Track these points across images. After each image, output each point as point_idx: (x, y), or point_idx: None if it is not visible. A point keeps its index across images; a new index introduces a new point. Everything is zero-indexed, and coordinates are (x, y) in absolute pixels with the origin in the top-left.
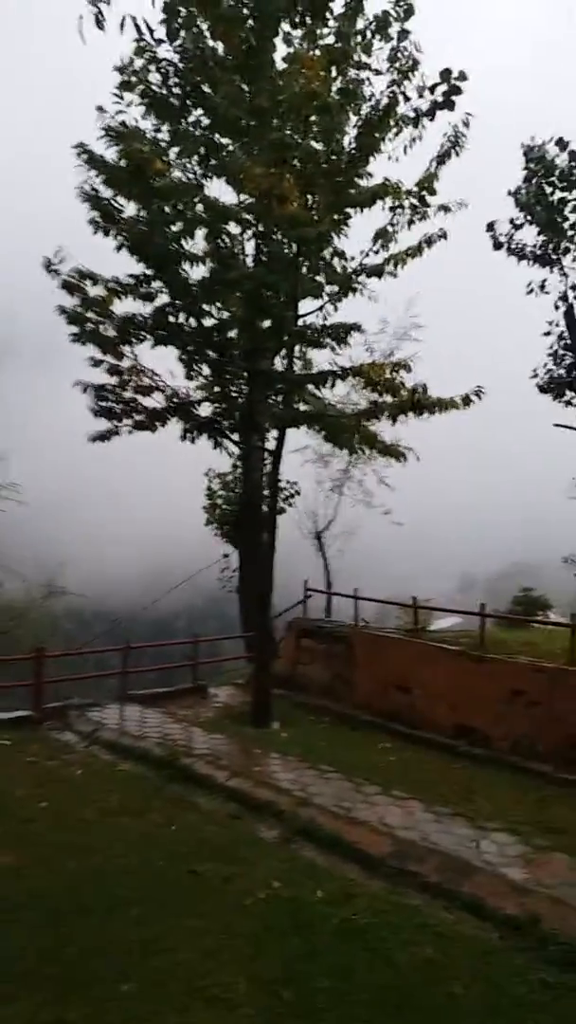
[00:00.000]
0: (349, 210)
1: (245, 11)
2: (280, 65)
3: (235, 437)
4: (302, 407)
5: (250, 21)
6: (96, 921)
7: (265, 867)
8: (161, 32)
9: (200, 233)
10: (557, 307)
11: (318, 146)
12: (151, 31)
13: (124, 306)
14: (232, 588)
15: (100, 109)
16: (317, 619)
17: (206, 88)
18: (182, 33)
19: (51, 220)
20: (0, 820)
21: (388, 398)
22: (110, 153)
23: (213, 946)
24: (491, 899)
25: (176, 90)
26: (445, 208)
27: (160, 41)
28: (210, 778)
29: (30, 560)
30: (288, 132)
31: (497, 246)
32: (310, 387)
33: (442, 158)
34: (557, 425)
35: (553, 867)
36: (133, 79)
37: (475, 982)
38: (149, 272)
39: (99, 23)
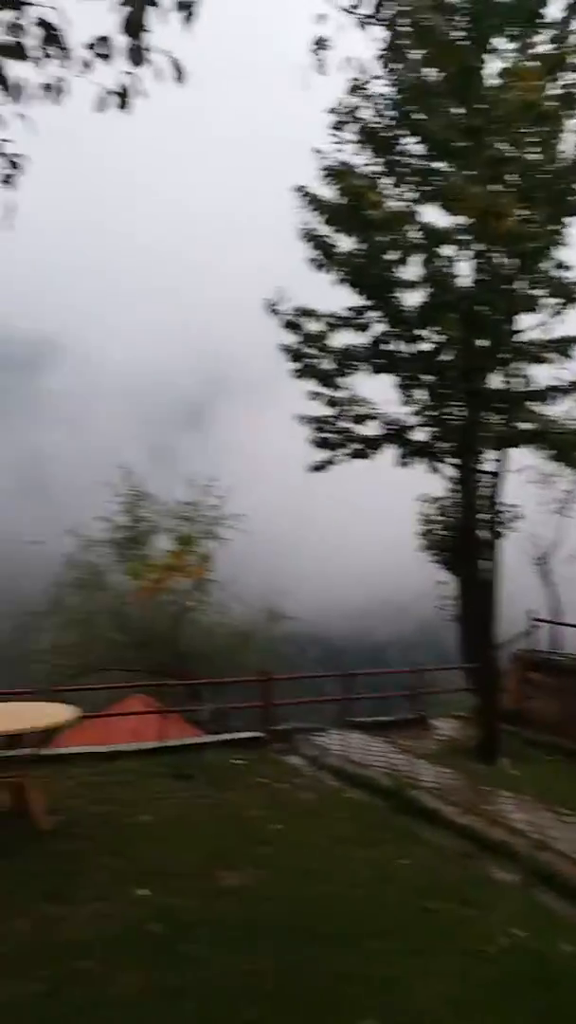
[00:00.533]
0: (570, 219)
1: (460, 34)
2: (492, 80)
3: (452, 460)
4: (524, 426)
5: (464, 42)
6: (333, 950)
7: (503, 912)
8: (376, 69)
9: (416, 259)
10: None
11: (535, 157)
12: (365, 70)
13: (341, 339)
14: (449, 616)
15: (317, 150)
16: (545, 651)
17: (419, 115)
18: (399, 65)
19: (260, 267)
20: (237, 840)
21: None
22: (327, 192)
23: (453, 992)
24: None
25: (390, 122)
26: None
27: (376, 77)
28: (439, 812)
29: (254, 588)
30: (503, 147)
31: None
32: (532, 404)
33: None
34: None
35: None
36: (347, 118)
37: None
38: (365, 303)
39: (320, 68)
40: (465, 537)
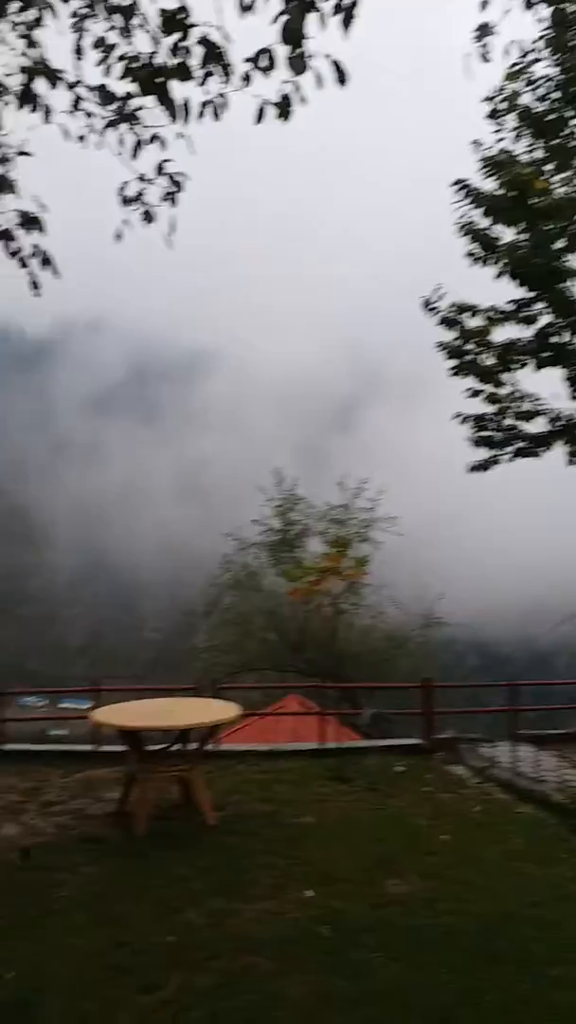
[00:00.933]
0: None
1: None
2: None
3: None
4: None
5: None
6: (511, 972)
7: None
8: (537, 51)
9: None
10: None
11: None
12: (533, 51)
13: (503, 333)
14: None
15: (476, 142)
16: None
17: None
18: (568, 42)
19: (414, 264)
20: (405, 849)
21: None
22: (486, 184)
23: None
24: None
25: (555, 104)
26: None
27: (536, 60)
28: None
29: (410, 591)
30: None
31: None
32: None
33: None
34: None
35: None
36: (505, 105)
37: None
38: (530, 295)
39: (484, 58)
40: None
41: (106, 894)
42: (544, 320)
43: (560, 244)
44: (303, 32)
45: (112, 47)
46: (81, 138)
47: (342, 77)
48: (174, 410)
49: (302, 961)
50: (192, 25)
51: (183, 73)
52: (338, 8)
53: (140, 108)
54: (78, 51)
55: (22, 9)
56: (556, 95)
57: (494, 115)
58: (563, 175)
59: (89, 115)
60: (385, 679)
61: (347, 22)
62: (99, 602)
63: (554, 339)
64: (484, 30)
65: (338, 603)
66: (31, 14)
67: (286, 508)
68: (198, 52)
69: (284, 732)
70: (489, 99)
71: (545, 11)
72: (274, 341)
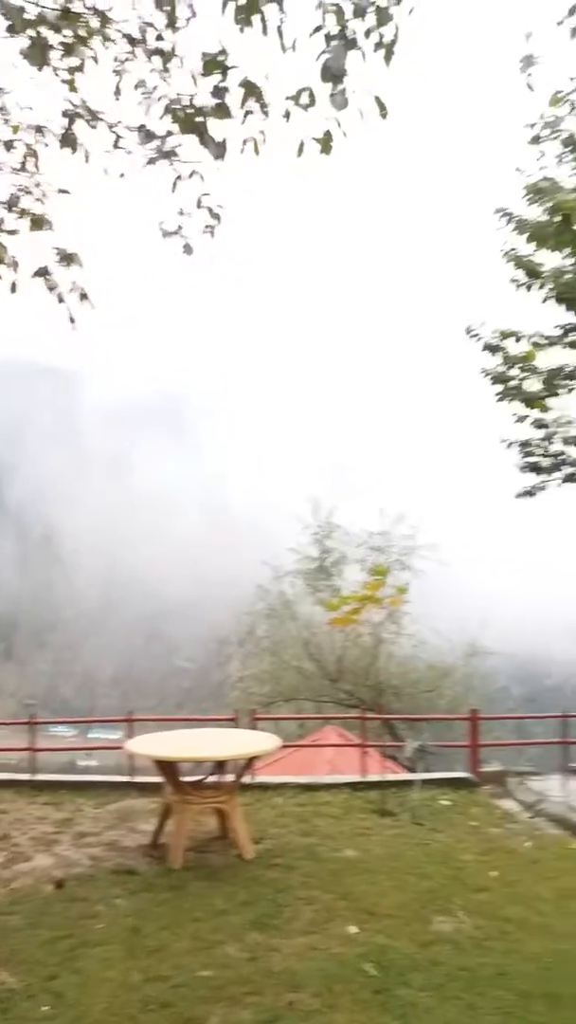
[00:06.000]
0: None
1: None
2: None
3: None
4: None
5: None
6: (571, 1015)
7: None
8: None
9: None
10: None
11: None
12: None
13: (549, 358)
14: None
15: (518, 169)
16: None
17: None
18: None
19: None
20: (452, 885)
21: None
22: (529, 211)
23: None
24: None
25: None
26: None
27: None
28: None
29: (453, 621)
30: None
31: None
32: None
33: None
34: None
35: None
36: (547, 131)
37: None
38: None
39: (530, 87)
40: None
41: (142, 927)
42: None
43: None
44: (344, 69)
45: (153, 89)
46: (121, 175)
47: (383, 112)
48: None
49: (347, 999)
50: (231, 67)
51: (223, 113)
52: (379, 44)
53: (179, 145)
54: (117, 92)
55: (64, 56)
56: None
57: (536, 141)
58: None
59: (129, 153)
60: (427, 710)
61: (388, 58)
62: (129, 628)
63: None
64: (529, 61)
65: (378, 632)
66: (73, 60)
67: (322, 535)
68: (237, 91)
69: (322, 764)
70: (532, 126)
71: None
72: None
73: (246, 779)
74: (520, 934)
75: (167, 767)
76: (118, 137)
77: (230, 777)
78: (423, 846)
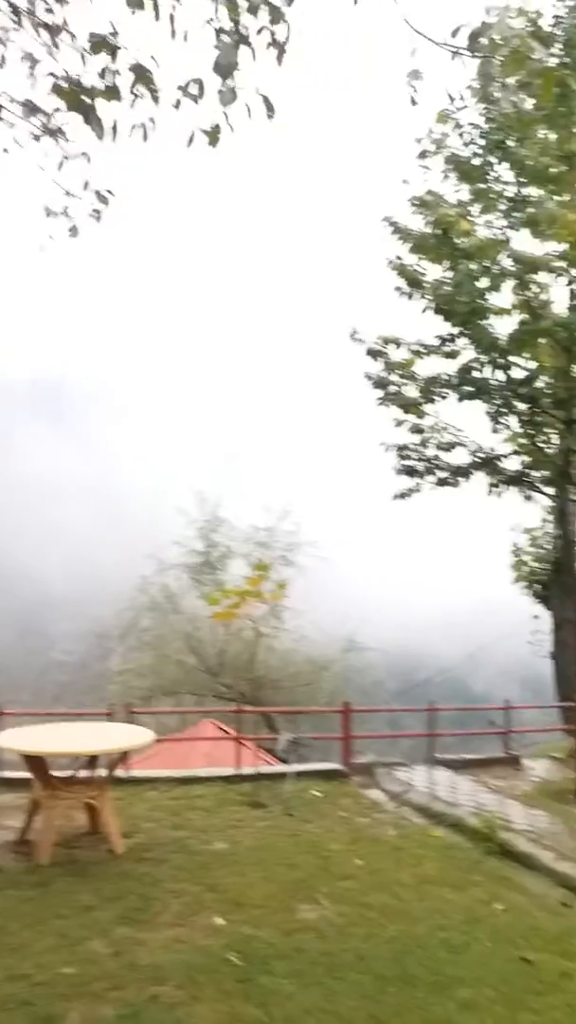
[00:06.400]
0: None
1: (555, 60)
2: None
3: (547, 490)
4: None
5: (560, 69)
6: (422, 996)
7: None
8: (464, 98)
9: (507, 286)
10: None
11: None
12: (461, 98)
13: (426, 366)
14: (544, 653)
15: (405, 181)
16: None
17: (511, 143)
18: (496, 94)
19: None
20: (319, 874)
21: None
22: (414, 222)
23: None
24: None
25: (479, 151)
26: None
27: (462, 107)
28: (533, 857)
29: (332, 616)
30: None
31: None
32: None
33: None
34: None
35: None
36: (431, 148)
37: None
38: (454, 331)
39: (413, 101)
40: (561, 570)
41: (5, 925)
42: (467, 356)
43: (483, 283)
44: (235, 65)
45: (39, 63)
46: (4, 150)
47: (271, 111)
48: (87, 427)
49: (211, 989)
50: (120, 48)
51: (112, 95)
52: (272, 43)
53: (67, 124)
54: (1, 62)
55: None
56: (481, 142)
57: (423, 156)
58: (486, 218)
59: (12, 126)
60: (306, 703)
61: (280, 57)
62: (2, 621)
63: (475, 374)
64: (414, 75)
65: (259, 627)
66: None
67: (209, 529)
68: (128, 74)
69: (199, 758)
70: (419, 141)
71: (472, 61)
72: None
73: (119, 774)
74: (381, 919)
75: (35, 762)
76: (0, 108)
77: (102, 772)
78: (293, 837)
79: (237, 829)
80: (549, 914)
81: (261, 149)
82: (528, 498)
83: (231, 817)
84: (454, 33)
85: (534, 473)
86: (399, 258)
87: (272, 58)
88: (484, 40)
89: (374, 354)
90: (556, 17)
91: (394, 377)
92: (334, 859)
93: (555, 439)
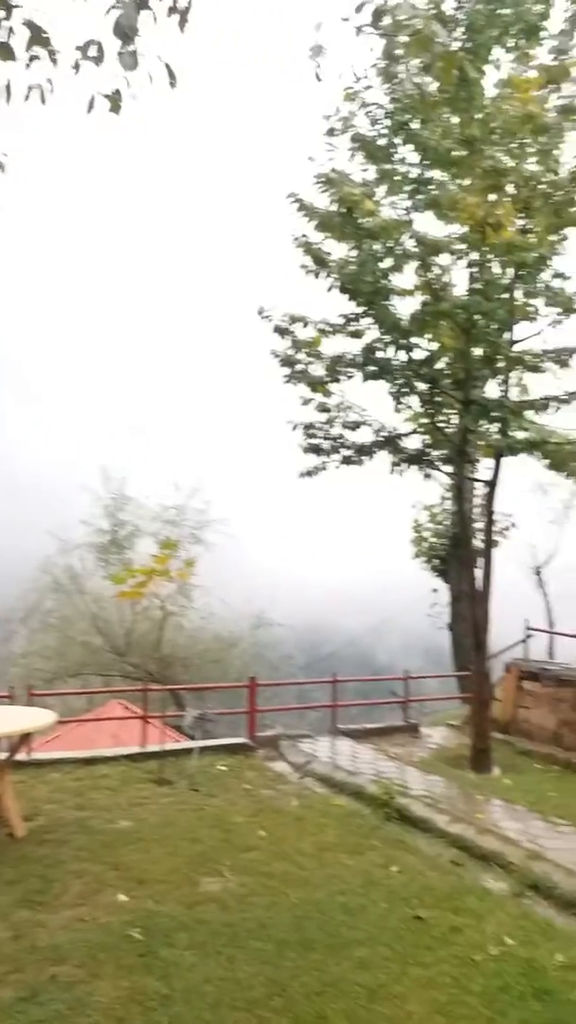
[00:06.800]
0: (570, 230)
1: (458, 43)
2: (492, 91)
3: (446, 468)
4: (520, 435)
5: (462, 53)
6: (320, 958)
7: (495, 921)
8: (370, 77)
9: (410, 267)
10: None
11: (535, 168)
12: (365, 76)
13: (333, 345)
14: (442, 624)
15: (311, 158)
16: (540, 660)
17: (415, 125)
18: (399, 74)
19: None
20: (222, 847)
21: None
22: (320, 199)
23: (444, 1000)
24: None
25: (384, 130)
26: None
27: (368, 87)
28: (429, 821)
29: (240, 593)
30: (502, 157)
31: None
32: (529, 413)
33: None
34: None
35: None
36: (338, 126)
37: None
38: (358, 310)
39: (318, 77)
40: (458, 545)
41: None
42: (371, 335)
43: (386, 264)
44: (135, 28)
45: None
46: None
47: (173, 79)
48: None
49: (111, 965)
50: (16, 6)
51: (6, 54)
52: (173, 9)
53: None
54: None
55: None
56: (386, 122)
57: (331, 133)
58: (391, 198)
59: None
60: (216, 680)
61: (182, 24)
62: None
63: (379, 354)
64: (317, 51)
65: (166, 605)
66: None
67: (115, 508)
68: (23, 33)
69: (105, 738)
70: (327, 118)
71: (377, 41)
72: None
73: (20, 757)
74: (282, 888)
75: None
76: None
77: (1, 755)
78: (197, 811)
79: (141, 807)
80: (441, 874)
81: (167, 119)
82: (428, 476)
83: (136, 795)
84: (358, 9)
85: (434, 452)
86: (304, 236)
87: (175, 25)
88: (387, 19)
89: (281, 332)
90: (458, 1)
91: (301, 355)
92: (237, 831)
93: (454, 419)
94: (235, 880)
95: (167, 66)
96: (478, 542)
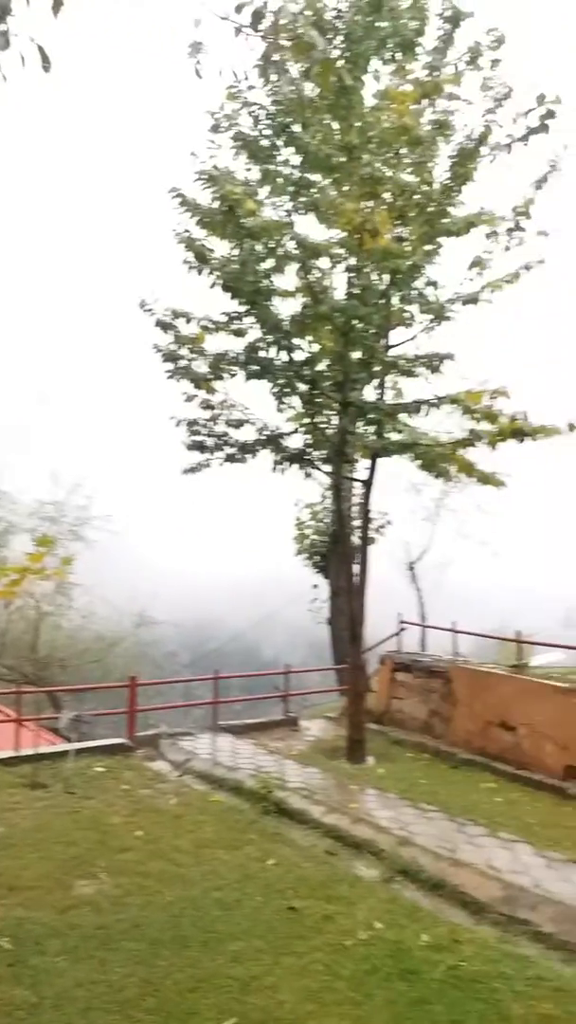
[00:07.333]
0: (442, 239)
1: (337, 52)
2: (370, 101)
3: (325, 468)
4: (394, 436)
5: (341, 61)
6: (195, 954)
7: (366, 907)
8: (253, 77)
9: (291, 269)
10: None
11: (410, 178)
12: (246, 77)
13: (216, 342)
14: (322, 619)
15: (193, 154)
16: (412, 652)
17: (296, 128)
18: (275, 77)
19: (145, 262)
20: (98, 849)
21: (486, 425)
22: (203, 196)
23: (315, 987)
24: None
25: (266, 132)
26: (543, 233)
27: (251, 87)
28: (305, 813)
29: (123, 592)
30: (379, 166)
31: None
32: (403, 416)
33: (539, 183)
34: None
35: None
36: (223, 123)
37: None
38: (241, 309)
39: (198, 73)
40: (337, 542)
41: None
42: (253, 335)
43: (267, 264)
44: (7, 8)
45: None
46: None
47: (46, 63)
48: None
49: None
50: None
51: None
52: None
53: None
54: None
55: None
56: (268, 123)
57: (216, 130)
58: (274, 199)
59: None
60: (97, 681)
61: (56, 8)
62: None
63: (261, 354)
64: (196, 48)
65: (41, 605)
66: None
67: None
68: None
69: None
70: (212, 115)
71: (258, 43)
72: None
73: None
74: (158, 887)
75: None
76: None
77: None
78: (73, 814)
79: (14, 812)
80: (316, 864)
81: (48, 105)
82: (308, 475)
83: (8, 800)
84: (238, 9)
85: (314, 452)
86: (187, 231)
87: (47, 7)
88: (267, 21)
89: (164, 326)
90: (337, 11)
91: (184, 351)
92: (113, 832)
93: (334, 420)
94: (110, 882)
95: (40, 48)
96: (356, 539)
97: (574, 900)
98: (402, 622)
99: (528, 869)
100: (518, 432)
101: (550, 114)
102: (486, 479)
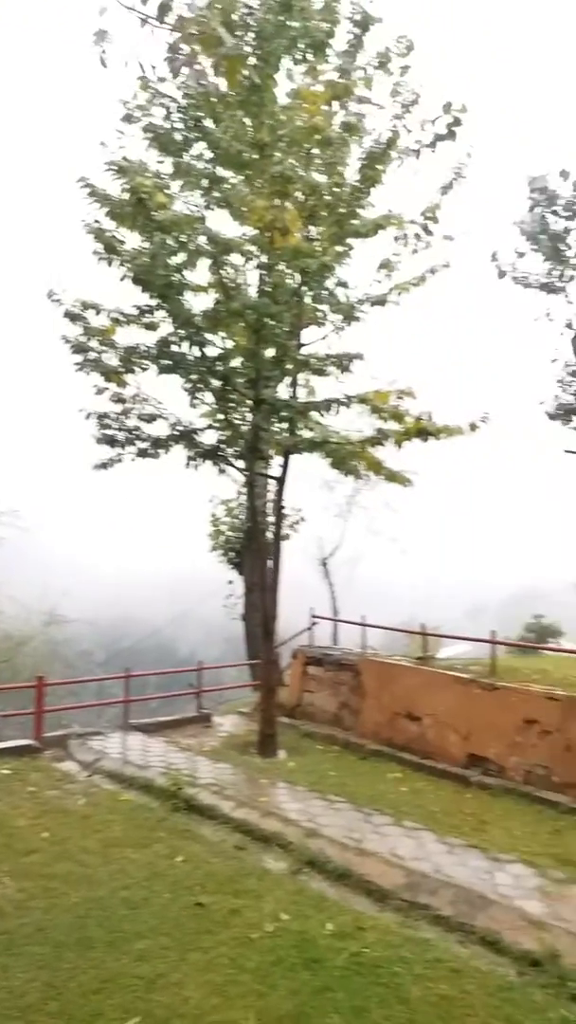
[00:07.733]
0: (352, 240)
1: (248, 49)
2: (282, 100)
3: (239, 464)
4: (306, 434)
5: (252, 59)
6: (100, 955)
7: (273, 899)
8: (164, 69)
9: (203, 264)
10: (562, 334)
11: (320, 179)
12: (154, 68)
13: (127, 335)
14: (237, 615)
15: (103, 144)
16: (323, 647)
17: (208, 123)
18: (185, 71)
19: (53, 250)
20: (1, 852)
21: (393, 425)
22: (113, 187)
23: (220, 981)
24: (507, 933)
25: (179, 125)
26: (448, 237)
27: (162, 79)
28: (215, 808)
29: (33, 590)
30: (290, 165)
31: (501, 275)
32: (314, 414)
33: (445, 188)
34: (568, 452)
35: (572, 901)
36: (136, 114)
37: (492, 1019)
38: (152, 303)
39: (103, 62)
40: (251, 538)
41: None
42: (166, 329)
43: (179, 259)
44: None
45: None
46: None
47: None
48: None
49: None
50: None
51: None
52: None
53: None
54: None
55: None
56: (181, 116)
57: (129, 120)
58: (186, 193)
59: None
60: (7, 681)
61: None
62: None
63: (173, 348)
64: (100, 36)
65: None
66: None
67: None
68: None
69: None
70: (124, 104)
71: (166, 35)
72: None
73: None
74: (64, 888)
75: None
76: None
77: None
78: None
79: None
80: (224, 859)
81: None
82: (222, 471)
83: None
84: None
85: (228, 448)
86: (97, 222)
87: None
88: (172, 13)
89: (72, 317)
90: (248, 7)
91: (94, 343)
92: (19, 835)
93: (248, 416)
94: (13, 886)
95: None
96: (270, 535)
97: (471, 883)
98: (314, 617)
99: (430, 856)
100: (423, 431)
101: (457, 122)
102: (393, 477)
